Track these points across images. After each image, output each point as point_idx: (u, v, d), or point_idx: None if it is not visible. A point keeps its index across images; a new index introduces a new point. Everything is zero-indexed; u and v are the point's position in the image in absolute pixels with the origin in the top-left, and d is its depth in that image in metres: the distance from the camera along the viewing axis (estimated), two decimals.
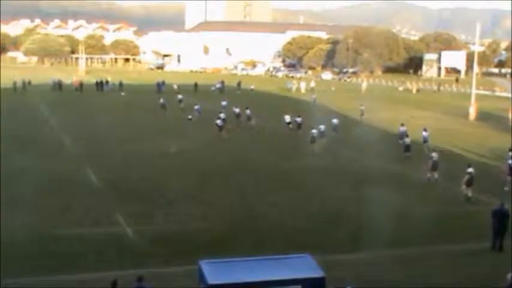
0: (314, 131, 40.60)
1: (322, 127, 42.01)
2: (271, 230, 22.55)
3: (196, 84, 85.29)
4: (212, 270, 13.61)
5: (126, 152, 37.36)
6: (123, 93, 77.91)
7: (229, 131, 45.03)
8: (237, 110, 50.85)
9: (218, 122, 45.03)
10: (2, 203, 24.53)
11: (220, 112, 48.30)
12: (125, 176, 30.93)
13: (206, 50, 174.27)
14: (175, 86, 79.81)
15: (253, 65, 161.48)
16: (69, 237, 21.17)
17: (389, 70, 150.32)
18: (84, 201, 25.77)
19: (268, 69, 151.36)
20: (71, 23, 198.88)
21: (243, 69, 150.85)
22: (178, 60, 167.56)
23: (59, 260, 18.91)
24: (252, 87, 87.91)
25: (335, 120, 47.11)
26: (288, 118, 48.55)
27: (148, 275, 15.10)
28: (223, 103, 56.92)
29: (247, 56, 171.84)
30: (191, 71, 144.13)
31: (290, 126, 47.68)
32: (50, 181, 29.20)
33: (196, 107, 53.55)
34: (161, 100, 60.06)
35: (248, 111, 50.75)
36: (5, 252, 18.91)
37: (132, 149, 38.55)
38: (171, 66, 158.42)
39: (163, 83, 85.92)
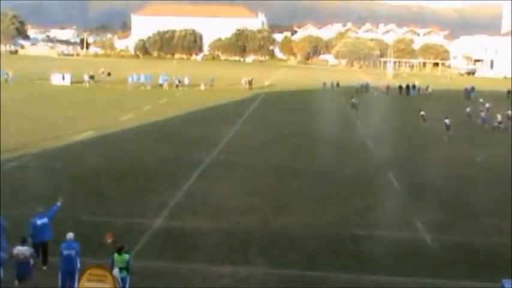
0: None
1: None
2: None
3: (509, 92, 79.86)
4: None
5: (429, 158, 36.52)
6: (376, 94, 76.70)
7: None
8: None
9: (446, 121, 46.23)
10: (311, 199, 26.00)
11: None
12: (426, 182, 30.05)
13: None
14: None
15: None
16: (366, 238, 21.08)
17: None
18: (384, 204, 25.60)
19: None
20: (381, 27, 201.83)
21: None
22: (491, 66, 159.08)
23: (353, 259, 18.89)
24: None
25: None
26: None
27: (446, 287, 14.03)
28: (486, 105, 59.22)
29: None
30: (505, 77, 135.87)
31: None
32: (353, 182, 29.56)
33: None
34: (468, 109, 56.08)
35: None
36: (307, 246, 19.82)
37: (435, 155, 37.54)
38: (482, 71, 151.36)
39: (472, 89, 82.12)
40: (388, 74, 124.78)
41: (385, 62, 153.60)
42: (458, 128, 46.96)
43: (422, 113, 51.42)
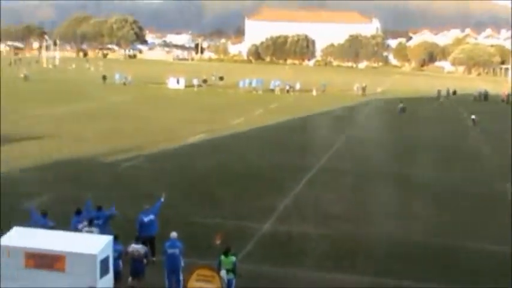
0: None
1: None
2: None
3: None
4: None
5: None
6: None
7: None
8: None
9: None
10: (420, 208, 25.19)
11: None
12: None
13: None
14: None
15: None
16: (472, 250, 20.19)
17: None
18: (498, 218, 24.23)
19: None
20: (503, 33, 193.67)
21: None
22: None
23: (462, 272, 18.08)
24: None
25: None
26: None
27: None
28: None
29: None
30: None
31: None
32: (463, 192, 28.44)
33: None
34: None
35: None
36: (414, 255, 19.24)
37: None
38: None
39: None
40: (510, 82, 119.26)
41: (506, 69, 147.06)
42: None
43: (473, 117, 53.07)
